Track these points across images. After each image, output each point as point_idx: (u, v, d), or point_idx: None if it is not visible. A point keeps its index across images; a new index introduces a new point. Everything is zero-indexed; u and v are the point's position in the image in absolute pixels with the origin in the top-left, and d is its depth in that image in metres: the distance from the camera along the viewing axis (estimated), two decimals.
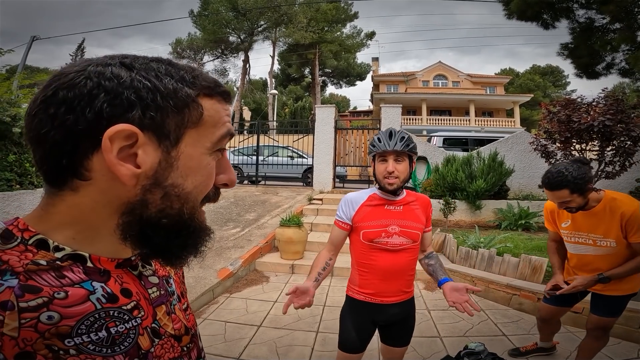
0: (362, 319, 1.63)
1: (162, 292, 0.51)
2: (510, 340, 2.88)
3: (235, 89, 27.91)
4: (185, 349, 0.51)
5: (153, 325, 0.47)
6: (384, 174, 1.54)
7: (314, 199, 7.58)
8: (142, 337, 0.44)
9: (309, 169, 9.50)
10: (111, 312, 0.42)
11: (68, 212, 0.42)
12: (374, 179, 1.63)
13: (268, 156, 9.93)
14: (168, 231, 0.44)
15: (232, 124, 0.53)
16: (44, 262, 0.39)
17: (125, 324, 0.43)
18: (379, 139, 1.56)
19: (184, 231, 0.45)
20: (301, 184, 9.85)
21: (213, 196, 0.50)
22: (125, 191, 0.41)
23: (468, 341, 2.61)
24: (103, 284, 0.42)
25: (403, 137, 1.54)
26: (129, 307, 0.44)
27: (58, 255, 0.40)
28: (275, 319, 3.22)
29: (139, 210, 0.42)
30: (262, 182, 9.61)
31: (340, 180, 9.65)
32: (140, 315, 0.45)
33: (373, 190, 1.66)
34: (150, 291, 0.49)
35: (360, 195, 1.64)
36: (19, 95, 5.97)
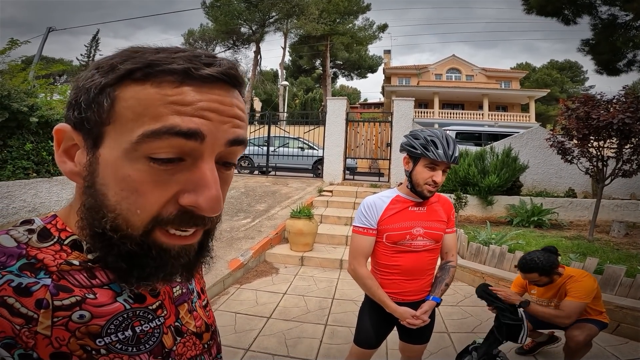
0: (382, 318, 1.61)
1: (184, 290, 0.51)
2: None
3: (246, 79, 27.91)
4: (206, 346, 0.51)
5: (176, 323, 0.47)
6: (428, 181, 1.45)
7: (324, 191, 7.59)
8: (166, 335, 0.45)
9: (319, 161, 9.50)
10: (137, 312, 0.42)
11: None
12: (407, 179, 1.52)
13: (278, 147, 9.94)
14: (113, 245, 0.38)
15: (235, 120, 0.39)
16: (76, 263, 0.39)
17: (150, 323, 0.43)
18: (434, 143, 1.42)
19: (131, 252, 0.38)
20: (311, 175, 9.87)
21: (177, 220, 0.38)
22: (82, 192, 0.40)
23: (476, 337, 2.60)
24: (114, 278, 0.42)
25: (457, 148, 1.45)
26: (153, 306, 0.45)
27: (90, 257, 0.40)
28: (284, 311, 3.25)
29: (86, 214, 0.39)
30: (273, 173, 9.65)
31: (351, 172, 9.64)
32: (163, 315, 0.45)
33: (395, 192, 1.59)
34: (174, 290, 0.49)
35: (381, 199, 1.57)
36: (35, 85, 6.06)
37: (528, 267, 2.23)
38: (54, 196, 5.32)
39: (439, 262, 1.69)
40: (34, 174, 5.12)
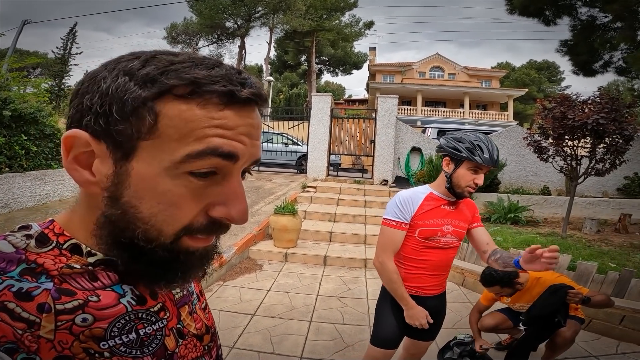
0: (403, 316, 1.62)
1: (185, 293, 0.52)
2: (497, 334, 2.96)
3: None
4: (206, 348, 0.52)
5: (178, 325, 0.48)
6: (470, 183, 1.49)
7: (308, 187, 7.60)
8: (168, 338, 0.45)
9: (303, 156, 9.50)
10: (140, 314, 0.42)
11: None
12: (446, 180, 1.55)
13: (262, 142, 9.76)
14: (144, 253, 0.39)
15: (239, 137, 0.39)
16: (77, 266, 0.39)
17: (153, 326, 0.43)
18: (480, 147, 1.47)
19: (162, 258, 0.39)
20: (295, 171, 9.86)
21: (205, 229, 0.40)
22: (98, 200, 0.39)
23: (457, 332, 2.68)
24: (132, 287, 0.43)
25: (498, 152, 1.51)
26: (155, 308, 0.45)
27: (91, 260, 0.41)
28: (268, 308, 3.26)
29: (109, 224, 0.39)
30: (256, 168, 9.58)
31: (334, 168, 9.68)
32: (166, 317, 0.46)
33: (428, 189, 1.62)
34: (174, 292, 0.50)
35: (416, 195, 1.59)
36: (8, 78, 5.84)
37: (488, 281, 2.35)
38: (26, 192, 5.13)
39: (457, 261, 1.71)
40: (7, 169, 4.92)
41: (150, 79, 0.36)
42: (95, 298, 0.38)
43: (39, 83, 6.76)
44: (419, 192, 1.60)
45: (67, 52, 19.19)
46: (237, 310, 3.17)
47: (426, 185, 1.66)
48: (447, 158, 1.55)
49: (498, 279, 2.31)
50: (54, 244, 0.40)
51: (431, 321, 1.58)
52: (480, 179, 1.49)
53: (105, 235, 0.39)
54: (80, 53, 19.60)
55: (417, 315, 1.55)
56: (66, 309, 0.36)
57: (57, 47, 19.15)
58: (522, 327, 2.70)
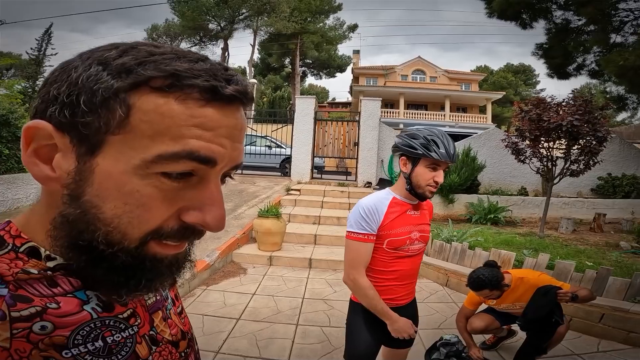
0: (379, 327, 1.53)
1: (158, 298, 0.50)
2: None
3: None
4: (183, 354, 0.50)
5: (150, 332, 0.46)
6: (430, 182, 1.41)
7: (292, 190, 7.58)
8: (140, 345, 0.43)
9: (287, 159, 9.47)
10: (107, 321, 0.40)
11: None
12: (406, 181, 1.46)
13: (246, 145, 9.73)
14: (104, 258, 0.36)
15: (219, 140, 0.36)
16: (35, 271, 0.37)
17: (122, 333, 0.41)
18: (435, 142, 1.38)
19: (124, 264, 0.37)
20: (279, 174, 9.83)
21: (176, 234, 0.38)
22: (58, 198, 0.36)
23: (443, 333, 2.71)
24: (98, 292, 0.40)
25: (454, 145, 1.42)
26: (125, 315, 0.43)
27: (50, 264, 0.38)
28: (254, 312, 3.22)
29: (66, 225, 0.36)
30: (239, 171, 9.50)
31: (318, 171, 9.69)
32: (137, 324, 0.44)
33: (390, 194, 1.51)
34: (146, 297, 0.47)
35: (380, 202, 1.48)
36: None
37: (477, 285, 2.33)
38: None
39: None
40: None
41: (125, 69, 0.33)
42: (54, 305, 0.36)
43: (12, 84, 6.55)
44: (382, 199, 1.49)
45: (41, 53, 18.57)
46: (222, 315, 3.12)
47: (387, 189, 1.55)
48: (403, 157, 1.46)
49: (487, 282, 2.28)
50: (9, 247, 0.37)
51: (416, 329, 1.54)
52: (439, 176, 1.41)
53: (62, 236, 0.36)
54: (55, 54, 19.01)
55: (404, 328, 1.48)
56: (22, 317, 0.34)
57: (31, 48, 18.48)
58: (505, 327, 2.76)
